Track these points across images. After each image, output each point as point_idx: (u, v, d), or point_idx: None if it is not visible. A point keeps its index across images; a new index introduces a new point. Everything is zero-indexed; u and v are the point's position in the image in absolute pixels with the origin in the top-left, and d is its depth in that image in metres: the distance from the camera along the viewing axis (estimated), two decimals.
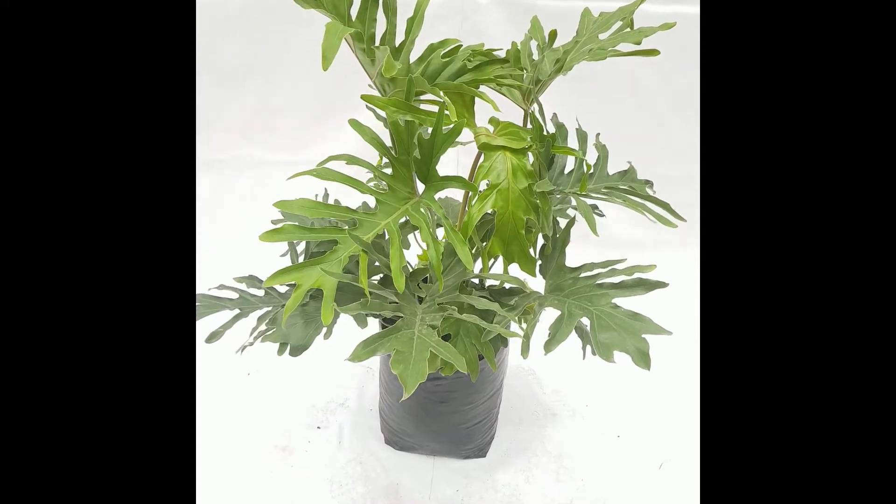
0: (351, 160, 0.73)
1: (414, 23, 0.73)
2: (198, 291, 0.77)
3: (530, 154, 0.69)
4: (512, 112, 0.76)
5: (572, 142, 0.83)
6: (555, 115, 0.84)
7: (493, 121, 0.78)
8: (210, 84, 1.64)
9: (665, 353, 0.77)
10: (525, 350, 0.66)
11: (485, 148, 0.69)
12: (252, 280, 0.80)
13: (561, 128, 0.81)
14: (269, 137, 1.72)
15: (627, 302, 0.67)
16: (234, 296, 0.80)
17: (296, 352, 0.71)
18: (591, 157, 0.84)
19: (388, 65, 0.61)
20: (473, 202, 0.67)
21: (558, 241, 0.77)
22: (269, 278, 0.61)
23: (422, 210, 0.69)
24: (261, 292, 0.82)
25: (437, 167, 0.70)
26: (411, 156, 0.70)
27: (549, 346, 0.63)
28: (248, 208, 1.83)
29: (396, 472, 1.10)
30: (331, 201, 1.07)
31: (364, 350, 0.52)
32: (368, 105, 0.67)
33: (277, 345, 0.70)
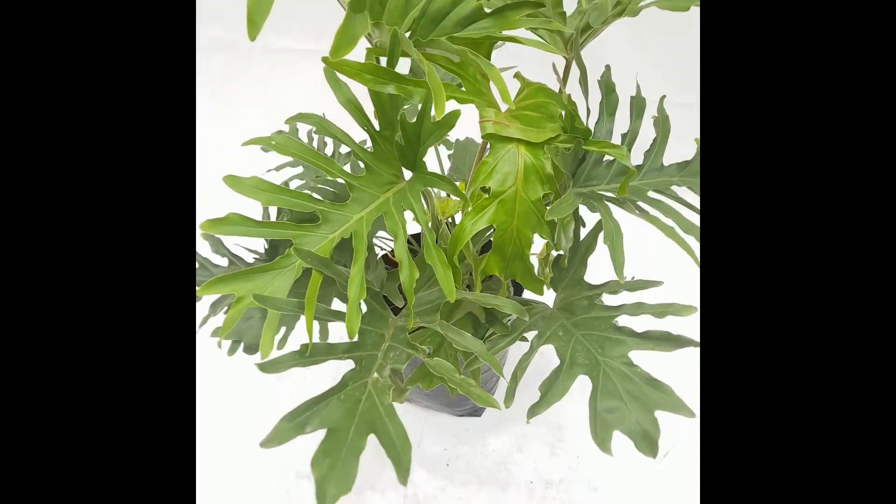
0: (321, 127, 0.56)
1: None
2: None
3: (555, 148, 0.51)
4: (541, 67, 0.55)
5: (623, 113, 0.62)
6: (607, 68, 0.62)
7: (518, 77, 0.58)
8: None
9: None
10: (510, 398, 0.54)
11: (491, 139, 0.51)
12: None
13: (611, 94, 0.60)
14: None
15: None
16: (225, 263, 0.70)
17: (250, 350, 0.62)
18: (644, 137, 0.64)
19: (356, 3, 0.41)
20: (468, 210, 0.51)
21: (579, 252, 0.61)
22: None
23: (411, 199, 0.54)
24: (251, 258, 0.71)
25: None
26: (396, 133, 0.53)
27: (536, 408, 0.51)
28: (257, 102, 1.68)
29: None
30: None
31: (288, 426, 0.41)
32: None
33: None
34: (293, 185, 0.83)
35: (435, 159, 0.94)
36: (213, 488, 0.97)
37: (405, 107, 0.53)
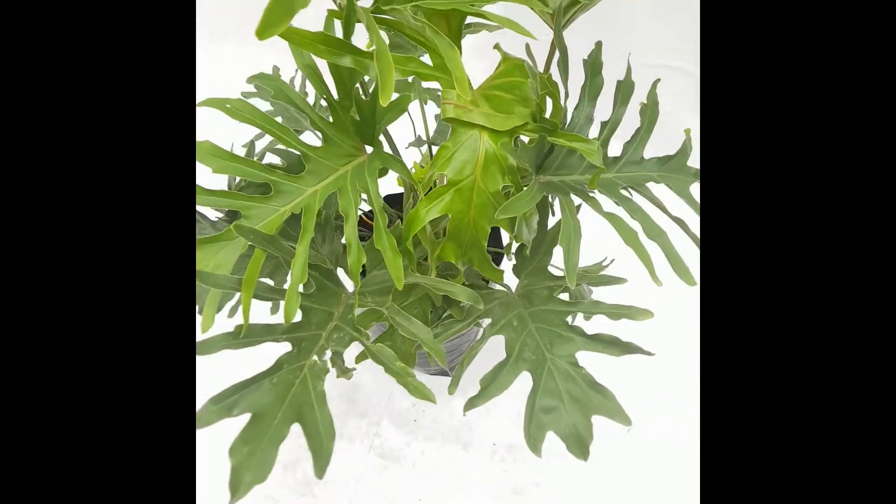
0: (280, 92, 0.53)
1: None
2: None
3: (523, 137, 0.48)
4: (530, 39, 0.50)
5: (608, 94, 0.58)
6: (598, 46, 0.57)
7: (498, 49, 0.54)
8: None
9: (666, 353, 0.64)
10: (454, 385, 0.54)
11: (452, 123, 0.47)
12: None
13: (596, 77, 0.55)
14: None
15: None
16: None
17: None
18: (629, 123, 0.60)
19: None
20: (422, 196, 0.49)
21: (545, 242, 0.59)
22: None
23: (367, 178, 0.51)
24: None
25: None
26: (352, 107, 0.49)
27: (474, 401, 0.51)
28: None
29: (359, 372, 1.09)
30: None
31: (214, 408, 0.41)
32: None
33: None
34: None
35: (413, 123, 0.90)
36: (212, 488, 1.00)
37: (366, 78, 0.49)
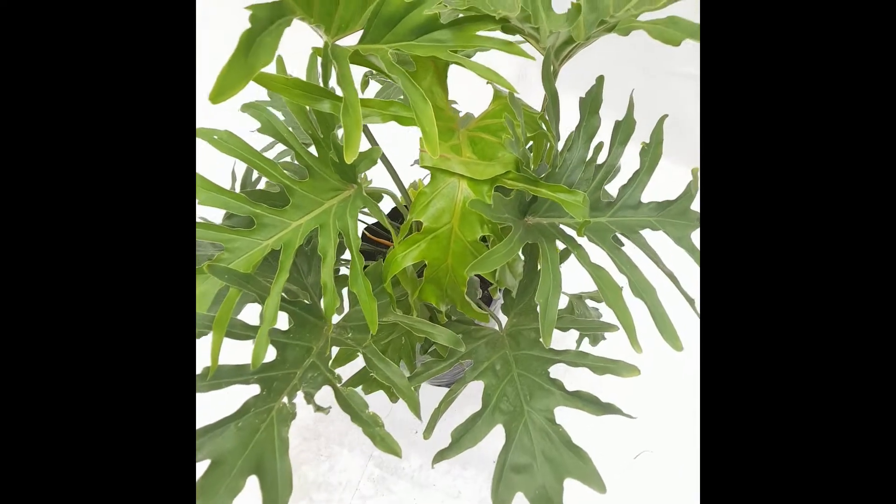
0: (267, 125, 0.53)
1: None
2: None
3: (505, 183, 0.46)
4: (535, 67, 0.49)
5: (607, 129, 0.55)
6: (599, 81, 0.54)
7: (491, 83, 0.52)
8: None
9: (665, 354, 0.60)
10: (429, 431, 0.53)
11: (431, 170, 0.46)
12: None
13: (593, 116, 0.52)
14: None
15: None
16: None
17: None
18: (629, 163, 0.57)
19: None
20: (398, 242, 0.48)
21: (534, 282, 0.57)
22: None
23: (348, 217, 0.51)
24: None
25: None
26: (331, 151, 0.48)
27: (445, 453, 0.50)
28: None
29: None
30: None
31: None
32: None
33: None
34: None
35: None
36: None
37: None
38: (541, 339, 0.55)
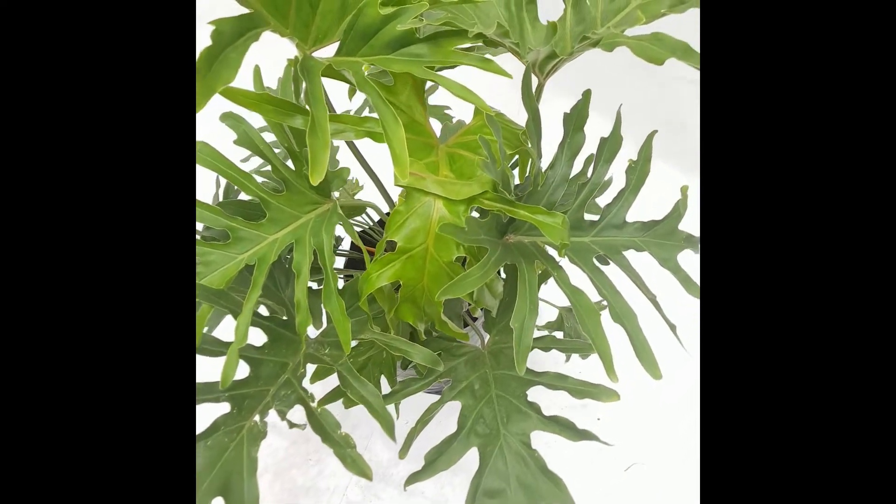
0: (243, 136, 0.52)
1: None
2: None
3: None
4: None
5: (591, 144, 0.53)
6: (586, 95, 0.52)
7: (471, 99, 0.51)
8: None
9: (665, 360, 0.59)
10: (404, 451, 0.52)
11: (406, 189, 0.45)
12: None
13: (577, 133, 0.51)
14: None
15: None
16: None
17: None
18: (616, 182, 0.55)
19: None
20: (373, 261, 0.46)
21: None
22: None
23: (323, 234, 0.49)
24: None
25: None
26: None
27: (417, 476, 0.49)
28: None
29: None
30: None
31: None
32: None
33: None
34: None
35: None
36: None
37: None
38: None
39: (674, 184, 0.63)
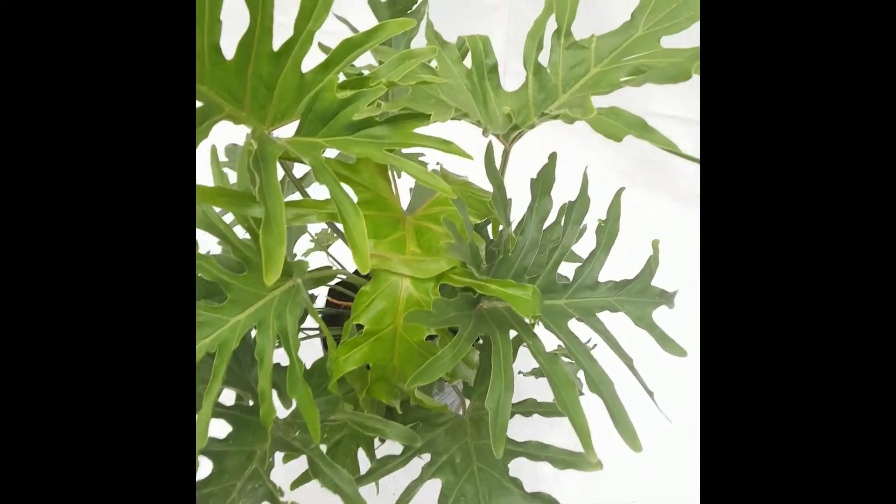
0: (203, 218, 0.50)
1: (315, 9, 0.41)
2: None
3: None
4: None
5: (566, 188, 0.53)
6: (551, 159, 0.52)
7: (441, 169, 0.50)
8: None
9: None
10: None
11: (371, 270, 0.43)
12: None
13: (544, 197, 0.51)
14: None
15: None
16: None
17: None
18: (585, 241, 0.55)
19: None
20: (338, 345, 0.45)
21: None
22: None
23: (287, 316, 0.48)
24: None
25: None
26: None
27: None
28: None
29: None
30: None
31: None
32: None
33: None
34: None
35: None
36: None
37: None
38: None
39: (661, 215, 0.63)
